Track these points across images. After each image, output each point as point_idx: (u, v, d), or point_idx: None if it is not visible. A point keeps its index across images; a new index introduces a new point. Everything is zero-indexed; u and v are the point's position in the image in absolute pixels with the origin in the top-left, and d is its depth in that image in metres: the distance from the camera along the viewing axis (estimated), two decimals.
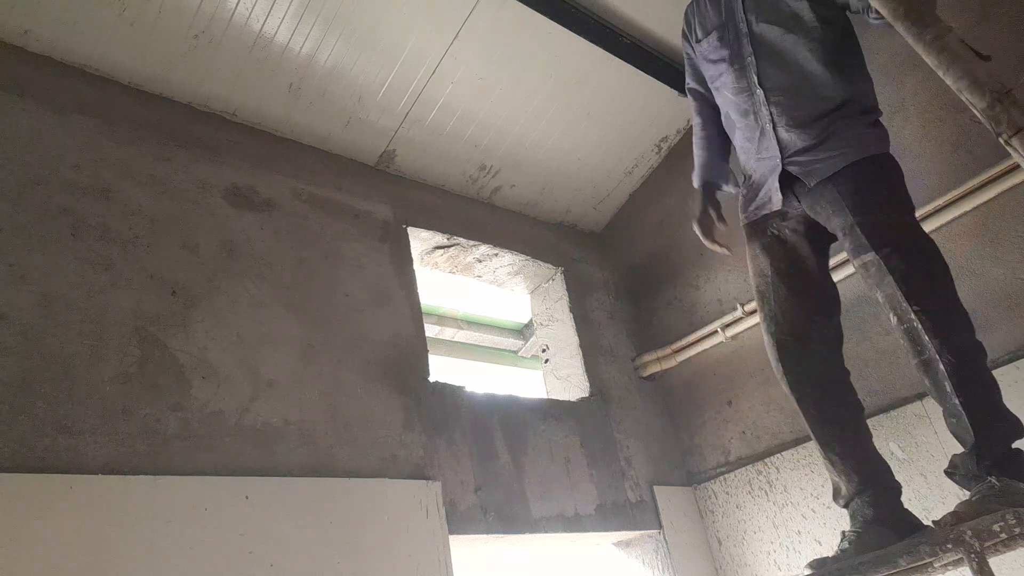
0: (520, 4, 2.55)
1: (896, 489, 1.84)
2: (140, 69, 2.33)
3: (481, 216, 3.21)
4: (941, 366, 1.66)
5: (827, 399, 1.88)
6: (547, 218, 3.53)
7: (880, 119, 1.93)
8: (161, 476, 1.76)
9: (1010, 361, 2.26)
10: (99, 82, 2.28)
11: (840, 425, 1.86)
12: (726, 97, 2.07)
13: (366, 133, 2.81)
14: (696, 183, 2.23)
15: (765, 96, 1.94)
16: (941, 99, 2.56)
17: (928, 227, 2.47)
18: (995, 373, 2.23)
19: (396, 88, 2.72)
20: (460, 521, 2.26)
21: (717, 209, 2.18)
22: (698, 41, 2.16)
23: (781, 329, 1.92)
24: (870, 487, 1.80)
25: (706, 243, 2.19)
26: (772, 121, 1.93)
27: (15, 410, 1.65)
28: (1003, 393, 2.19)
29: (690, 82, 2.29)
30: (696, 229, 2.18)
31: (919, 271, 1.71)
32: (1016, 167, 2.30)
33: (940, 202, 2.45)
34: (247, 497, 1.85)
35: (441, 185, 3.13)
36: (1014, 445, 1.66)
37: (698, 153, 2.26)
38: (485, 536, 2.33)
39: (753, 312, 2.84)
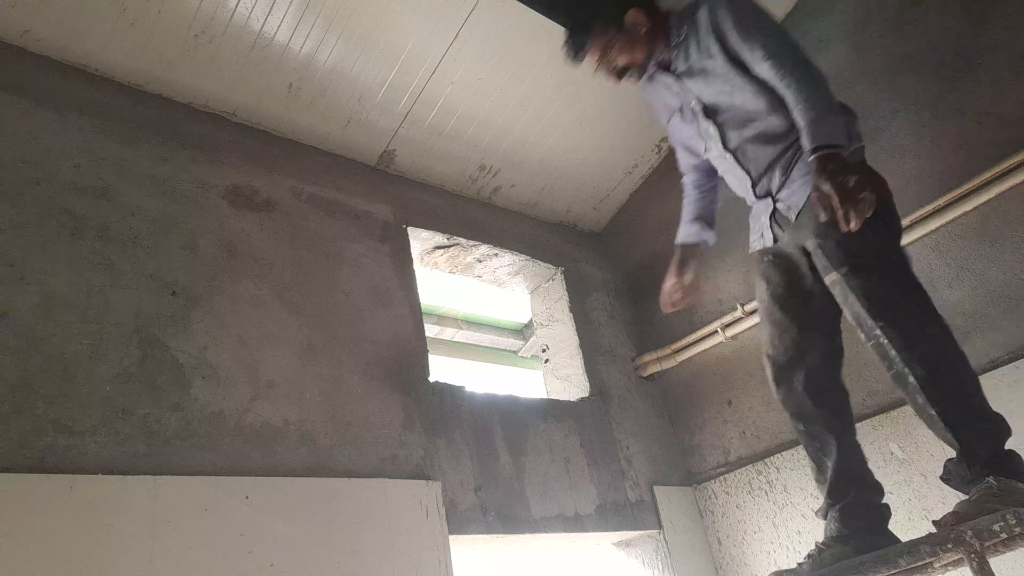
0: (520, 4, 2.56)
1: (874, 505, 1.86)
2: (140, 69, 2.33)
3: (481, 216, 3.21)
4: (912, 379, 1.66)
5: (813, 418, 1.93)
6: (547, 218, 3.53)
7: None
8: (161, 476, 1.76)
9: (1010, 361, 2.26)
10: (99, 82, 2.28)
11: (821, 441, 1.92)
12: (713, 161, 2.15)
13: (366, 133, 2.81)
14: (676, 240, 2.36)
15: (735, 157, 2.01)
16: (941, 99, 2.56)
17: (928, 227, 2.48)
18: (995, 373, 2.25)
19: (396, 88, 2.72)
20: (460, 521, 2.26)
21: (687, 269, 2.28)
22: (668, 122, 2.24)
23: (776, 351, 1.97)
24: (839, 502, 1.84)
25: (664, 308, 2.33)
26: (749, 175, 2.00)
27: (15, 410, 1.65)
28: (1003, 393, 2.19)
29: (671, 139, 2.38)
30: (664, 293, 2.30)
31: (880, 286, 1.71)
32: (1016, 167, 2.30)
33: (940, 202, 2.45)
34: (247, 497, 1.85)
35: (441, 185, 3.13)
36: (1008, 447, 1.65)
37: (683, 213, 2.38)
38: (485, 536, 2.33)
39: (753, 312, 2.84)
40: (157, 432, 1.83)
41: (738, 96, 1.95)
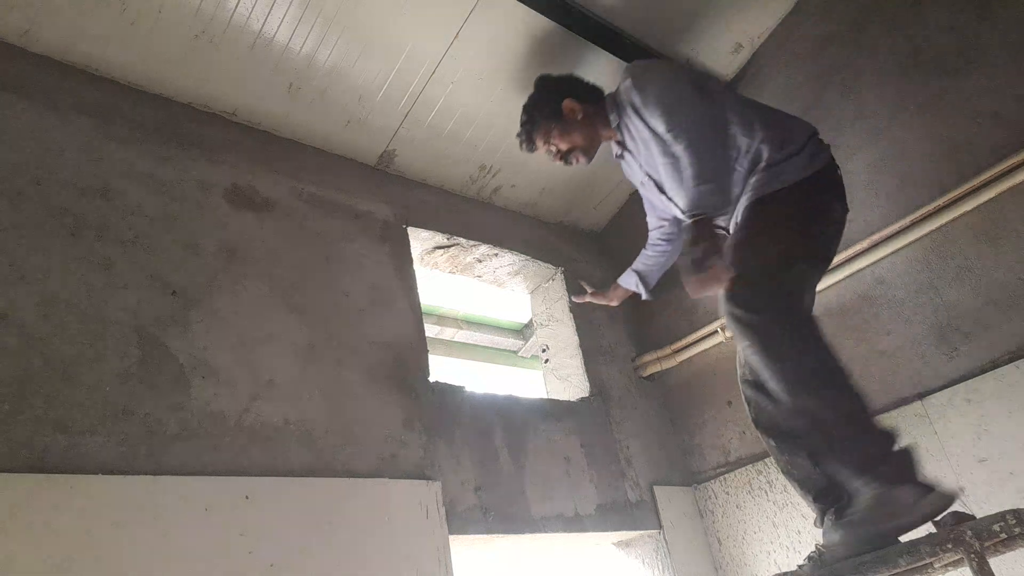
0: (520, 4, 2.55)
1: None
2: (140, 69, 2.33)
3: (481, 216, 3.21)
4: (769, 385, 1.80)
5: (781, 436, 1.99)
6: (547, 218, 3.53)
7: (770, 166, 1.99)
8: (161, 476, 1.76)
9: (1010, 361, 2.26)
10: (99, 82, 2.28)
11: (790, 455, 1.97)
12: None
13: (366, 133, 2.81)
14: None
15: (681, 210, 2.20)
16: (942, 99, 2.56)
17: (928, 227, 2.48)
18: (995, 373, 2.26)
19: (396, 88, 2.72)
20: (460, 521, 2.26)
21: (611, 299, 2.85)
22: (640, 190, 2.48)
23: (744, 371, 2.06)
24: (833, 506, 1.87)
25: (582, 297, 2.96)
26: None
27: (15, 410, 1.65)
28: (1004, 393, 2.19)
29: None
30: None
31: (749, 314, 1.81)
32: (1016, 167, 2.30)
33: (940, 202, 2.45)
34: (247, 497, 1.85)
35: (441, 185, 3.13)
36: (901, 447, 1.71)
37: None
38: (485, 536, 2.33)
39: None
40: (157, 432, 1.83)
41: (672, 162, 2.07)
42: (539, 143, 2.41)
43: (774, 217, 1.93)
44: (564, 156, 2.38)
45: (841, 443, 1.72)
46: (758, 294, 1.83)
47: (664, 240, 2.56)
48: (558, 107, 2.34)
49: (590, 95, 2.39)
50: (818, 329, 1.83)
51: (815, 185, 1.96)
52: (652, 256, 2.61)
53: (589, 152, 2.38)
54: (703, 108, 1.99)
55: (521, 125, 2.43)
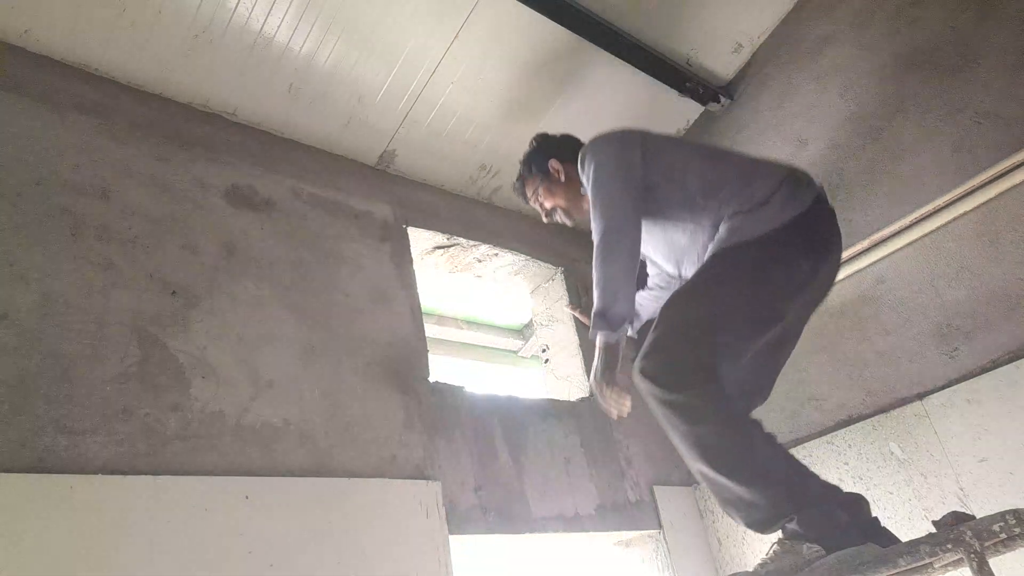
0: (520, 4, 2.55)
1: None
2: (140, 69, 2.33)
3: (481, 216, 3.21)
4: (663, 422, 1.82)
5: None
6: None
7: (732, 218, 1.91)
8: (161, 476, 1.76)
9: (1010, 361, 2.25)
10: (99, 82, 2.28)
11: None
12: None
13: (366, 133, 2.81)
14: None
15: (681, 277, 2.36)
16: (941, 99, 2.56)
17: (928, 227, 2.49)
18: (995, 373, 2.26)
19: (396, 88, 2.72)
20: (460, 521, 2.26)
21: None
22: None
23: None
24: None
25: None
26: None
27: (15, 410, 1.65)
28: (1004, 393, 2.19)
29: None
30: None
31: (648, 384, 1.83)
32: (1016, 167, 2.30)
33: (940, 202, 2.45)
34: (247, 497, 1.85)
35: (441, 185, 3.13)
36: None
37: None
38: (485, 536, 2.33)
39: None
40: (157, 432, 1.83)
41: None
42: (529, 197, 2.48)
43: (718, 274, 1.85)
44: (548, 213, 2.44)
45: (737, 505, 1.71)
46: (663, 366, 1.79)
47: (657, 286, 2.53)
48: (546, 166, 2.40)
49: (572, 155, 2.38)
50: (721, 408, 1.74)
51: (780, 239, 1.80)
52: (645, 297, 2.57)
53: (571, 214, 2.41)
54: (619, 211, 2.09)
55: (516, 179, 2.51)
